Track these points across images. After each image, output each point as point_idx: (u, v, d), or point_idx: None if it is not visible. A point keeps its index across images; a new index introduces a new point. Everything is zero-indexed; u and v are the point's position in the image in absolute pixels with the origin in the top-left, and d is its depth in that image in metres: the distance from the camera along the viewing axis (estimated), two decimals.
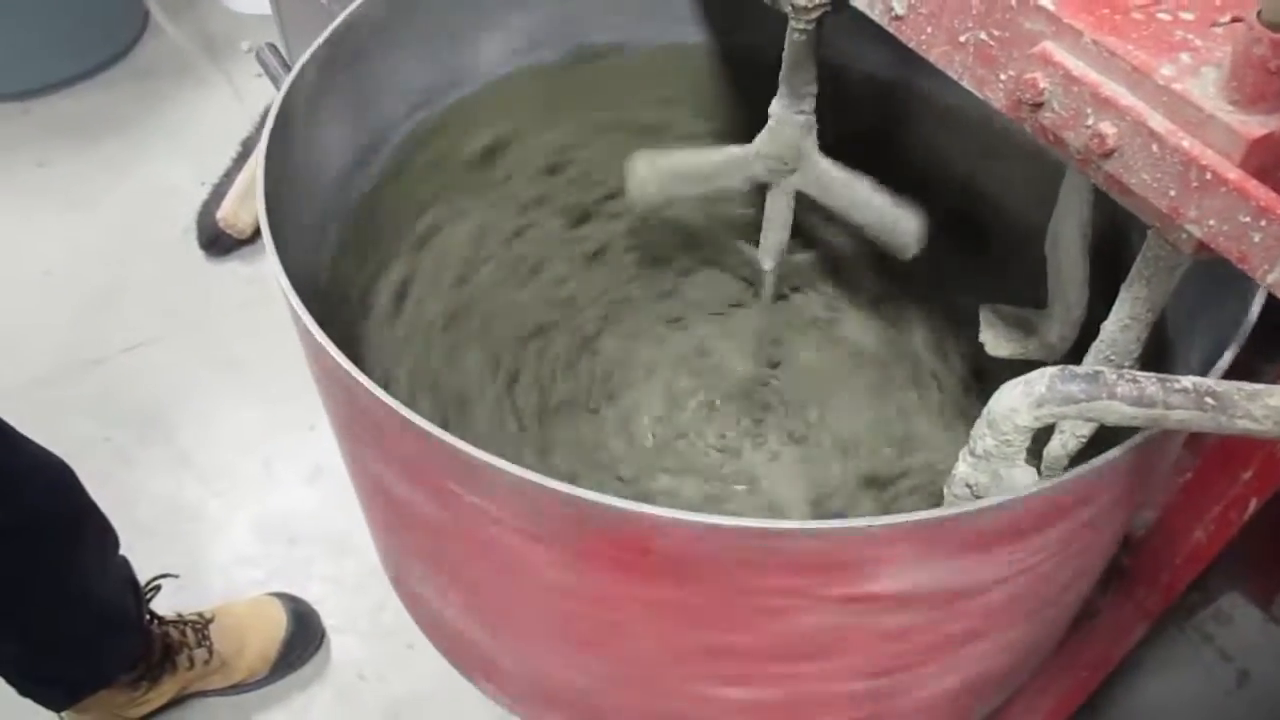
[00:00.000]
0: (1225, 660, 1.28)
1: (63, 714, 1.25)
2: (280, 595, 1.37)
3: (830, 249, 1.08)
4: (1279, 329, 0.61)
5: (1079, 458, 0.67)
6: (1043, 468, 0.68)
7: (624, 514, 0.50)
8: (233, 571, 1.44)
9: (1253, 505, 0.79)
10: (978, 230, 0.98)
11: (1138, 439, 0.51)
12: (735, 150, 0.93)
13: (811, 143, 0.90)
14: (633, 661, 0.65)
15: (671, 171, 0.93)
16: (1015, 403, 0.49)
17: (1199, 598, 1.28)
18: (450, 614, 0.76)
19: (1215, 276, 0.66)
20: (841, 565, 0.52)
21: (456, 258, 1.00)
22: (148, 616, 1.23)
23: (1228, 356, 0.57)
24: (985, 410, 0.51)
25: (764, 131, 0.90)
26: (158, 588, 1.24)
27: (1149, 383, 0.47)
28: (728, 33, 1.01)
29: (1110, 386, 0.47)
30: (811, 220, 1.03)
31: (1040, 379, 0.48)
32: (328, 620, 1.39)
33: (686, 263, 1.15)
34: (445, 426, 0.52)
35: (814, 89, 0.85)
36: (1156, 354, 0.75)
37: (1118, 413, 0.47)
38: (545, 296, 1.09)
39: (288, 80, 0.72)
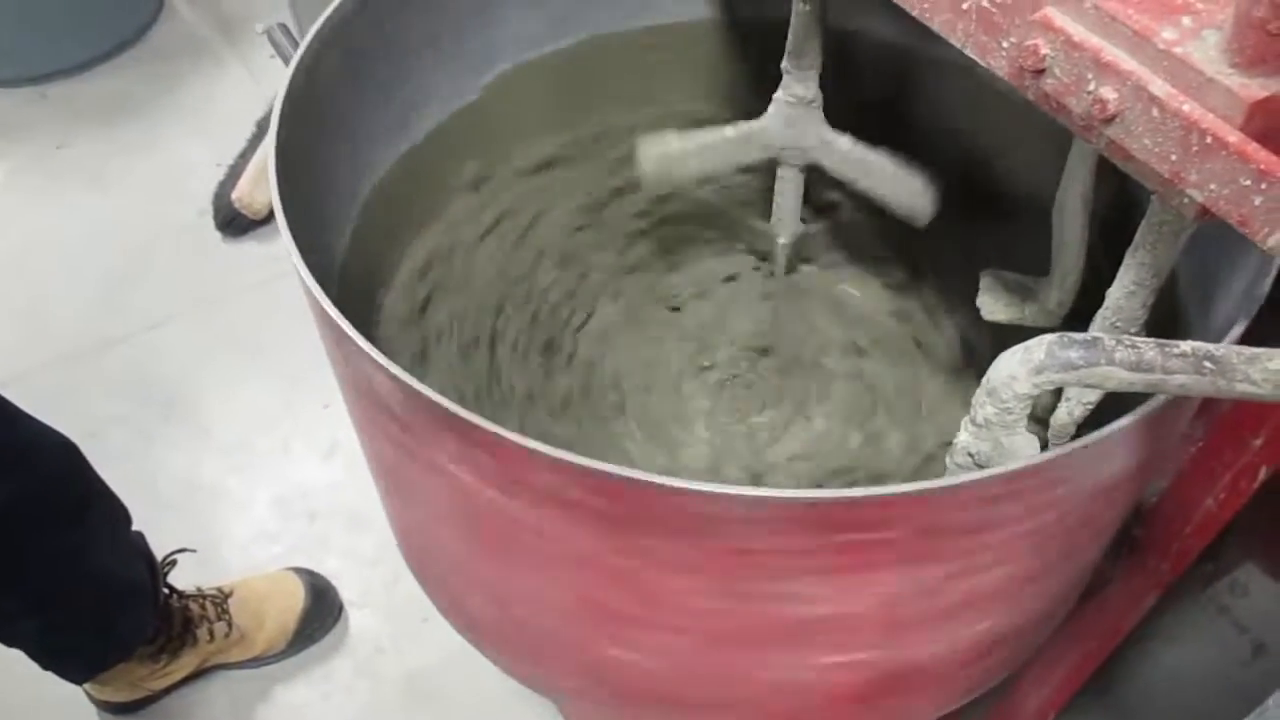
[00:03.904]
0: (1241, 632, 1.28)
1: (84, 686, 1.27)
2: (298, 570, 1.39)
3: (841, 219, 1.08)
4: None
5: (1086, 426, 0.67)
6: (1050, 436, 0.68)
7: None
8: (252, 547, 1.46)
9: (1263, 473, 0.78)
10: (992, 198, 0.97)
11: (1135, 414, 0.50)
12: (748, 126, 0.92)
13: (819, 118, 0.89)
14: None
15: (683, 151, 0.93)
16: (1014, 370, 0.49)
17: (1214, 569, 1.28)
18: (459, 589, 0.77)
19: (1234, 245, 0.65)
20: (836, 529, 0.53)
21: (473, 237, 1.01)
22: (166, 591, 1.24)
23: (1237, 330, 0.56)
24: (985, 378, 0.51)
25: (772, 107, 0.90)
26: (173, 562, 1.25)
27: (1147, 348, 0.46)
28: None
29: (1109, 352, 0.47)
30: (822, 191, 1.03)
31: (1039, 346, 0.48)
32: (345, 594, 1.41)
33: (697, 242, 1.15)
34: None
35: (819, 63, 0.85)
36: (1173, 326, 0.75)
37: (1117, 378, 0.47)
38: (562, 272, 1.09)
39: (296, 56, 0.73)
